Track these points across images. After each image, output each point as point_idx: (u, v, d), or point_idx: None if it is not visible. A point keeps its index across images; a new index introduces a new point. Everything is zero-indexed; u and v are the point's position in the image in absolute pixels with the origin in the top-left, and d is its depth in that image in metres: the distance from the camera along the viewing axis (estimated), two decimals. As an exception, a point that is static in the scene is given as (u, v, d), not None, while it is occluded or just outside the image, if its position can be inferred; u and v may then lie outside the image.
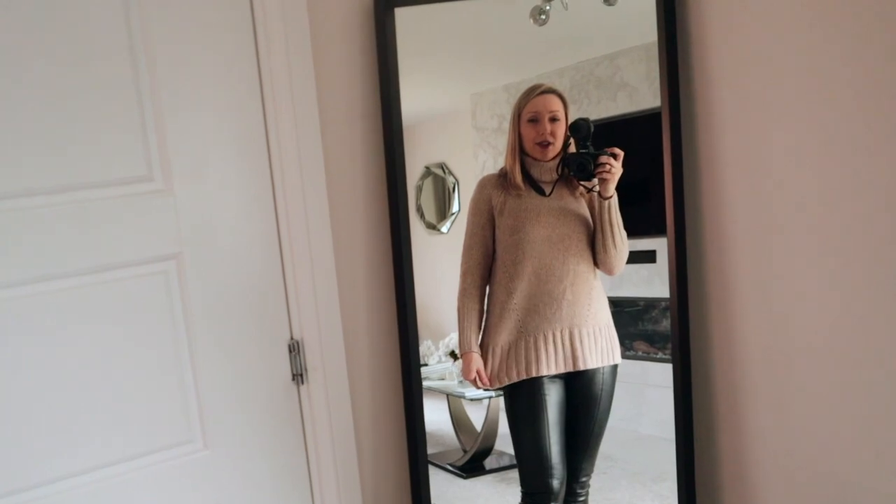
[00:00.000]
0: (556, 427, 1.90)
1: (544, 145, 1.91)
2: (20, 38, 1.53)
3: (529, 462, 1.92)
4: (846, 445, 1.72)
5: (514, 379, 1.90)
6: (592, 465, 2.00)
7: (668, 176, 1.85)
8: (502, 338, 1.91)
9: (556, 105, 1.91)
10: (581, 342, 1.90)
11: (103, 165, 1.64)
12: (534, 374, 1.89)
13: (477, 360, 1.94)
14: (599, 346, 1.92)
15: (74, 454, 1.64)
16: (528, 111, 1.92)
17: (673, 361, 1.90)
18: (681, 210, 1.86)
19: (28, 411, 1.58)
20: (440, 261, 2.18)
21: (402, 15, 1.91)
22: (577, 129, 1.87)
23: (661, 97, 1.85)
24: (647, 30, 1.93)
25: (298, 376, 1.90)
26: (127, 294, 1.68)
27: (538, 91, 1.92)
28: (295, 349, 1.89)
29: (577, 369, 1.90)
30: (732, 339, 1.87)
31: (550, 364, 1.89)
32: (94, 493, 1.67)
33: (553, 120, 1.91)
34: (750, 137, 1.77)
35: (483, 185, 1.98)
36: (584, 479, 2.00)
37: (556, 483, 1.89)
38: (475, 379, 1.94)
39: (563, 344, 1.89)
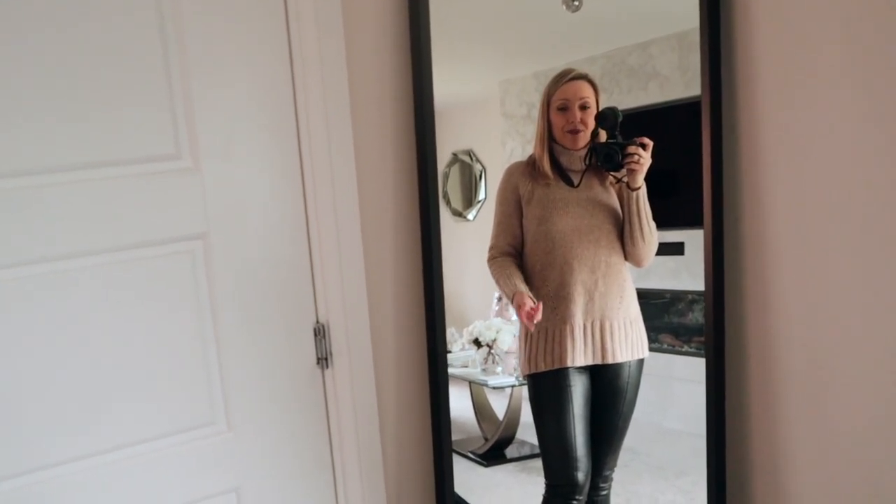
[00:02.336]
0: (581, 419, 1.88)
1: (574, 133, 1.89)
2: (46, 11, 1.52)
3: (554, 454, 1.90)
4: (884, 443, 1.69)
5: (543, 368, 1.88)
6: (616, 459, 1.98)
7: (706, 166, 1.82)
8: (538, 323, 1.89)
9: (587, 92, 1.89)
10: (612, 335, 1.88)
11: (131, 143, 1.63)
12: (562, 365, 1.87)
13: (527, 295, 1.85)
14: (630, 340, 1.90)
15: (96, 433, 1.64)
16: (557, 98, 1.90)
17: (706, 355, 1.87)
18: (719, 201, 1.83)
19: (51, 389, 1.58)
20: (465, 248, 2.17)
21: (432, -2, 1.90)
22: (604, 118, 1.85)
23: (702, 85, 1.81)
24: (680, 18, 1.90)
25: (323, 360, 1.88)
26: (152, 273, 1.67)
27: (568, 77, 1.89)
28: (320, 333, 1.87)
29: (606, 362, 1.89)
30: (768, 333, 1.84)
31: (579, 355, 1.87)
32: (117, 472, 1.67)
33: (583, 107, 1.89)
34: (794, 128, 1.73)
35: (510, 172, 1.96)
36: (607, 473, 1.98)
37: (580, 476, 1.87)
38: (529, 312, 1.81)
39: (593, 336, 1.87)
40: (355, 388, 1.89)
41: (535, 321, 1.80)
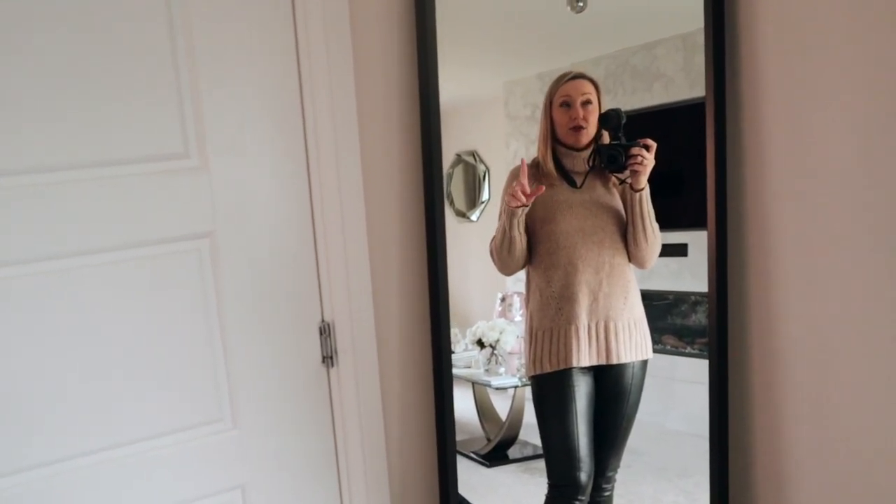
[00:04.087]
0: (584, 420, 1.88)
1: (577, 130, 1.89)
2: (55, 9, 1.53)
3: (557, 455, 1.90)
4: (889, 447, 1.69)
5: (548, 369, 1.88)
6: (619, 460, 1.98)
7: (710, 167, 1.81)
8: (543, 324, 1.89)
9: (589, 88, 1.88)
10: (616, 335, 1.88)
11: (139, 141, 1.63)
12: (567, 366, 1.87)
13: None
14: (634, 341, 1.90)
15: (103, 429, 1.65)
16: (560, 95, 1.89)
17: (709, 356, 1.87)
18: (723, 203, 1.83)
19: (58, 385, 1.59)
20: (469, 249, 2.17)
21: (438, -1, 1.91)
22: (607, 119, 1.85)
23: (706, 86, 1.81)
24: (685, 19, 1.90)
25: (328, 359, 1.89)
26: (159, 271, 1.68)
27: (570, 76, 1.90)
28: (325, 331, 1.88)
29: (610, 363, 1.88)
30: (771, 334, 1.84)
31: (583, 356, 1.87)
32: (124, 468, 1.67)
33: (586, 104, 1.88)
34: (798, 129, 1.73)
35: (514, 174, 1.96)
36: (609, 473, 1.98)
37: (583, 476, 1.87)
38: (516, 189, 1.79)
39: (598, 336, 1.87)
40: (360, 386, 1.89)
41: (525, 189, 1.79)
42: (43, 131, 1.53)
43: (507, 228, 1.86)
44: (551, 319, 1.88)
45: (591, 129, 1.89)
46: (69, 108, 1.55)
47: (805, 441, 1.82)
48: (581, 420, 1.88)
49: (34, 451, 1.57)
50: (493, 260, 1.93)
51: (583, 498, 1.88)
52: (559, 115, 1.90)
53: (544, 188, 1.82)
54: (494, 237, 1.92)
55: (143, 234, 1.64)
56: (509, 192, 1.82)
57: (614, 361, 1.88)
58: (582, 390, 1.89)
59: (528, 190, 1.80)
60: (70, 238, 1.57)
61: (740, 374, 1.91)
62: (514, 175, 1.94)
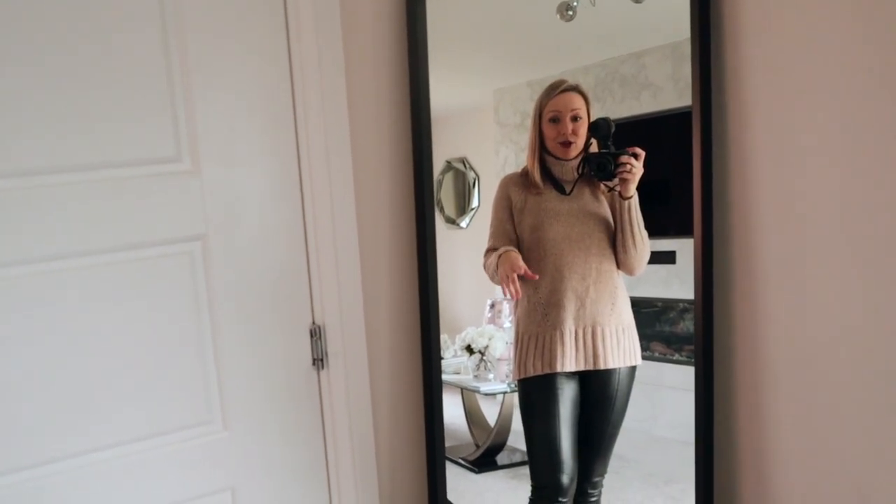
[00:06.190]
0: (567, 423, 1.89)
1: (566, 144, 1.90)
2: (50, 13, 1.54)
3: (540, 457, 1.91)
4: (872, 453, 1.70)
5: (532, 373, 1.90)
6: (605, 466, 1.99)
7: (696, 175, 1.83)
8: (529, 329, 1.90)
9: (578, 103, 1.90)
10: (603, 341, 1.89)
11: (132, 145, 1.64)
12: (552, 370, 1.88)
13: (516, 256, 1.85)
14: (622, 346, 1.91)
15: (93, 430, 1.64)
16: (549, 110, 1.91)
17: (695, 363, 1.89)
18: (709, 211, 1.85)
19: (49, 386, 1.58)
20: (458, 255, 2.18)
21: (429, 7, 1.91)
22: (597, 128, 1.86)
23: (693, 95, 1.83)
24: (674, 28, 1.92)
25: (319, 361, 1.89)
26: (151, 273, 1.68)
27: (560, 89, 1.91)
28: (316, 334, 1.88)
29: (598, 368, 1.90)
30: (756, 341, 1.85)
31: (569, 361, 1.88)
32: (114, 470, 1.67)
33: (575, 119, 1.90)
34: (784, 138, 1.75)
35: (504, 184, 1.98)
36: (596, 479, 1.99)
37: (565, 479, 1.88)
38: (513, 280, 1.81)
39: (585, 342, 1.88)
40: (350, 388, 1.90)
41: (516, 286, 1.80)
42: (36, 134, 1.53)
43: (497, 266, 1.87)
44: (538, 325, 1.89)
45: (579, 141, 1.90)
46: (62, 112, 1.56)
47: (790, 446, 1.83)
48: (564, 423, 1.88)
49: (22, 452, 1.57)
50: (486, 273, 1.95)
51: (564, 500, 1.88)
52: (548, 129, 1.91)
53: (537, 277, 1.85)
54: (488, 253, 1.93)
55: (134, 237, 1.65)
56: (505, 273, 1.83)
57: (601, 367, 1.89)
58: (566, 394, 1.90)
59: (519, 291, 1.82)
60: (61, 240, 1.57)
61: (725, 380, 1.92)
62: (504, 184, 1.96)
